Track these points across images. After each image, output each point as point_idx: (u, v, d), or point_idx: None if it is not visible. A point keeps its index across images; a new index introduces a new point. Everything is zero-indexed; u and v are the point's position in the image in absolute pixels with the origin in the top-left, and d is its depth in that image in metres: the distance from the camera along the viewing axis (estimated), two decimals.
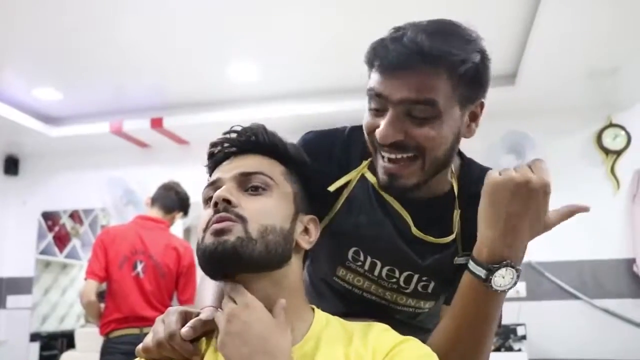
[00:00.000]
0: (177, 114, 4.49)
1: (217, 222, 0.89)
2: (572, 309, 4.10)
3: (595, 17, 2.93)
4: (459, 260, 1.11)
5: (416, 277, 1.16)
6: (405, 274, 1.16)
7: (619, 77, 3.68)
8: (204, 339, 0.95)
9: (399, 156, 1.03)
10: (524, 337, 3.86)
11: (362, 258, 1.19)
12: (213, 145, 1.01)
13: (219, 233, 0.88)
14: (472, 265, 0.99)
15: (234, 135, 1.01)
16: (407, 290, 1.18)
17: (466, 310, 1.02)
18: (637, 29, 3.06)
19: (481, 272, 0.97)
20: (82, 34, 3.34)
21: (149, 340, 0.94)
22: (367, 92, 1.06)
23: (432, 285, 1.17)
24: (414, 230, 1.13)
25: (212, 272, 0.91)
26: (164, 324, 0.94)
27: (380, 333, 0.91)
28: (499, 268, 0.95)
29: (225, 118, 4.33)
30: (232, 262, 0.88)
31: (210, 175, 1.01)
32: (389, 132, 1.01)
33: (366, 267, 1.19)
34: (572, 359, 3.95)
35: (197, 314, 0.96)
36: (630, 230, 4.10)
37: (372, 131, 1.05)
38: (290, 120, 4.44)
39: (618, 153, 4.19)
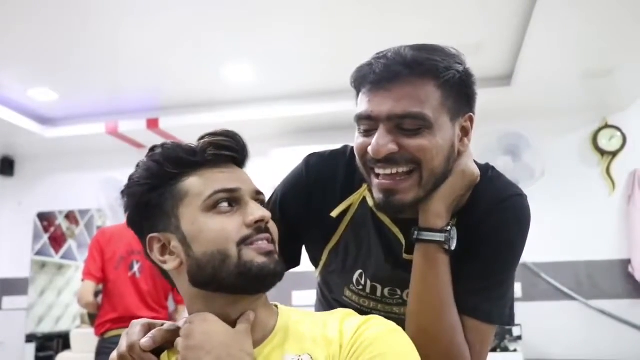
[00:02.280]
0: (173, 114, 4.49)
1: (267, 242, 0.92)
2: (567, 309, 4.10)
3: (590, 18, 2.94)
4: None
5: None
6: (407, 291, 1.16)
7: (614, 78, 3.69)
8: (167, 352, 0.96)
9: (394, 171, 1.02)
10: (519, 338, 3.86)
11: (363, 282, 1.21)
12: (214, 144, 0.96)
13: (271, 254, 0.92)
14: (429, 235, 1.05)
15: (226, 140, 0.98)
16: None
17: (427, 279, 1.05)
18: (632, 30, 3.07)
19: (441, 237, 1.05)
20: (78, 35, 3.33)
21: (114, 354, 0.94)
22: (356, 118, 1.06)
23: None
24: (405, 256, 1.13)
25: (257, 289, 0.93)
26: (127, 337, 0.95)
27: (345, 316, 0.93)
28: (451, 230, 1.06)
29: (220, 119, 4.33)
30: (277, 281, 0.93)
31: (184, 168, 0.94)
32: (381, 144, 1.00)
33: (367, 291, 1.21)
34: (568, 359, 3.97)
35: (162, 325, 0.96)
36: (625, 231, 4.11)
37: (364, 152, 1.05)
38: (285, 121, 4.45)
39: (613, 154, 4.20)
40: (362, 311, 1.23)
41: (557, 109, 4.23)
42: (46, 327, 5.22)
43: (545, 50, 3.32)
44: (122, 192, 0.98)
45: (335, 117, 4.29)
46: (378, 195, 1.05)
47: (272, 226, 0.96)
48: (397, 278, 1.16)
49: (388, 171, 1.03)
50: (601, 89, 3.91)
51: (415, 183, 1.03)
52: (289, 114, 4.33)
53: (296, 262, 1.27)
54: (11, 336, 5.05)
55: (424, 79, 1.00)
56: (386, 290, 1.20)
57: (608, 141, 4.21)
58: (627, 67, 3.54)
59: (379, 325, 0.89)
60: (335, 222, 1.19)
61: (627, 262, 4.07)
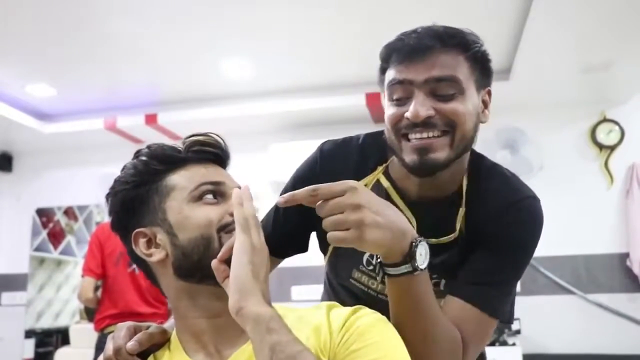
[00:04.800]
0: (171, 110, 4.48)
1: None
2: (566, 303, 4.11)
3: (589, 12, 2.94)
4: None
5: None
6: None
7: (612, 72, 3.69)
8: (153, 355, 0.97)
9: (430, 134, 1.06)
10: (518, 332, 3.87)
11: (374, 261, 1.21)
12: (198, 142, 1.00)
13: None
14: (393, 270, 0.94)
15: (210, 139, 1.01)
16: None
17: (406, 309, 0.98)
18: (631, 24, 3.07)
19: (407, 268, 0.93)
20: (76, 30, 3.32)
21: (100, 358, 0.96)
22: (388, 86, 1.10)
23: (442, 282, 1.19)
24: None
25: None
26: (113, 340, 0.96)
27: (331, 307, 0.94)
28: (414, 255, 0.92)
29: (219, 114, 4.33)
30: None
31: (170, 165, 0.98)
32: (420, 108, 1.04)
33: (377, 271, 1.22)
34: (566, 353, 3.98)
35: (147, 328, 0.97)
36: (623, 225, 4.12)
37: (397, 120, 1.08)
38: (284, 116, 4.45)
39: (612, 148, 4.21)
40: (368, 294, 1.24)
41: (556, 103, 4.23)
42: (45, 323, 5.23)
43: (544, 44, 3.32)
44: (107, 195, 0.99)
45: (334, 111, 4.30)
46: (412, 156, 1.07)
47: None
48: None
49: (425, 135, 1.06)
50: (599, 83, 3.91)
51: (447, 143, 1.06)
52: (288, 108, 4.33)
53: (305, 249, 1.32)
54: (10, 332, 5.05)
55: (454, 51, 1.07)
56: None
57: (606, 135, 4.21)
58: (626, 61, 3.54)
59: (368, 315, 0.90)
60: None
61: (625, 255, 4.08)
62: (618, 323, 4.02)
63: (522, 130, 4.08)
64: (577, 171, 4.22)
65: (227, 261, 0.85)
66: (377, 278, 1.23)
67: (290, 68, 3.95)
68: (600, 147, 4.22)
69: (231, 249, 0.85)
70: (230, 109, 4.34)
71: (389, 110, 1.10)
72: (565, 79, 3.86)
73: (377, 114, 4.38)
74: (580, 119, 4.28)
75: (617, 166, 4.21)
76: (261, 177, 4.29)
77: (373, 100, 4.13)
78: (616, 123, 4.21)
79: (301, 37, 3.49)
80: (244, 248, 0.83)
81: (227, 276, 0.84)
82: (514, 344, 3.81)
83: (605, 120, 4.23)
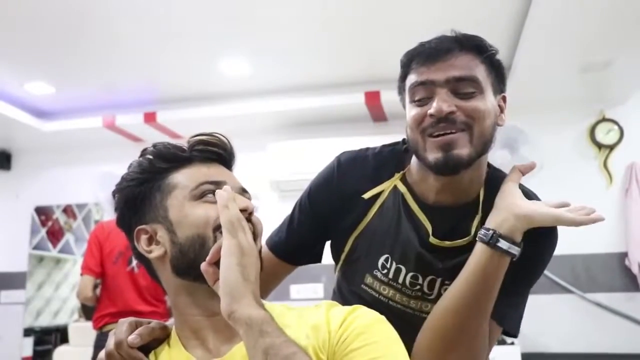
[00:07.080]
0: (170, 108, 4.48)
1: None
2: (565, 302, 4.12)
3: (588, 10, 2.93)
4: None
5: (439, 281, 1.20)
6: (429, 278, 1.20)
7: (612, 72, 3.69)
8: (154, 351, 0.97)
9: (453, 130, 1.10)
10: None
11: (388, 265, 1.24)
12: (202, 142, 1.00)
13: None
14: (505, 244, 1.08)
15: (214, 139, 1.02)
16: (431, 297, 1.21)
17: (489, 283, 1.09)
18: (630, 23, 3.07)
19: (517, 251, 1.09)
20: (75, 28, 3.32)
21: (101, 354, 0.97)
22: (410, 88, 1.15)
23: None
24: (432, 239, 1.18)
25: None
26: (115, 335, 0.97)
27: (330, 306, 0.95)
28: (520, 244, 1.10)
29: (218, 112, 4.33)
30: None
31: (173, 163, 0.99)
32: (443, 104, 1.08)
33: (390, 276, 1.24)
34: (565, 352, 3.98)
35: (149, 323, 0.98)
36: (622, 224, 4.12)
37: (421, 119, 1.12)
38: (281, 115, 4.44)
39: (611, 147, 4.21)
40: (379, 301, 1.25)
41: (555, 103, 4.23)
42: (44, 321, 5.23)
43: (543, 43, 3.32)
44: (113, 192, 1.01)
45: (333, 110, 4.29)
46: (436, 154, 1.11)
47: (256, 220, 0.95)
48: (421, 261, 1.20)
49: (448, 131, 1.10)
50: (598, 82, 3.91)
51: (468, 140, 1.10)
52: (287, 107, 4.32)
53: (318, 259, 1.37)
54: (9, 330, 5.05)
55: (472, 54, 1.14)
56: (408, 277, 1.22)
57: (605, 135, 4.21)
58: (625, 60, 3.54)
59: (367, 315, 0.90)
60: (365, 208, 1.25)
61: (624, 255, 4.08)
62: (616, 322, 4.02)
63: (521, 130, 4.07)
64: (576, 170, 4.22)
65: (218, 263, 0.85)
66: (389, 284, 1.24)
67: (288, 66, 3.95)
68: (600, 146, 4.22)
69: (219, 251, 0.85)
70: (229, 108, 4.34)
71: (412, 111, 1.14)
72: (564, 78, 3.86)
73: (376, 113, 4.38)
74: (580, 119, 4.28)
75: (616, 165, 4.21)
76: (260, 176, 4.29)
77: (372, 99, 4.13)
78: (615, 122, 4.21)
79: (300, 35, 3.48)
80: (232, 250, 0.84)
81: (218, 279, 0.84)
82: (512, 343, 3.81)
83: (604, 119, 4.23)
